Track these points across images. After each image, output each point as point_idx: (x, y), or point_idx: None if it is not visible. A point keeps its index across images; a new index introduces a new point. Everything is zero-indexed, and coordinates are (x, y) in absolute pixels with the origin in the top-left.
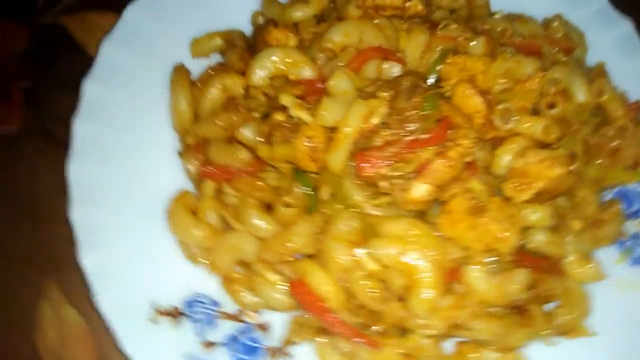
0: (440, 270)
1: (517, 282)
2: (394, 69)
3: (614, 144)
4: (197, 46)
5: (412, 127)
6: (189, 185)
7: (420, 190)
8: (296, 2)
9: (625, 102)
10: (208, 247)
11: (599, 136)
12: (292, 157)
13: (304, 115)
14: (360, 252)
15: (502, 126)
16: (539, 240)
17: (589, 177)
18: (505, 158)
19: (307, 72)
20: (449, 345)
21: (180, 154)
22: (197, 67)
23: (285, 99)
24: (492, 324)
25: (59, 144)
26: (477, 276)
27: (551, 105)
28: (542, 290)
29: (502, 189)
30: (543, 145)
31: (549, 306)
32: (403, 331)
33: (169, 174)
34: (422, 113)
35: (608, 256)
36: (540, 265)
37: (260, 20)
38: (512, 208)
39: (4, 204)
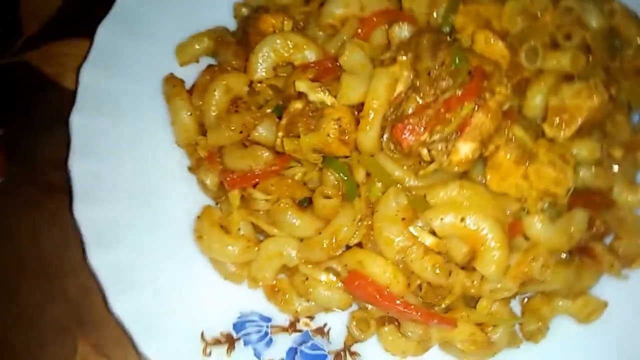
0: (503, 228)
1: (578, 223)
2: (404, 31)
3: (636, 63)
4: (183, 52)
5: (444, 85)
6: (205, 201)
7: (465, 149)
8: None
9: (637, 19)
10: (246, 261)
11: (620, 59)
12: (321, 145)
13: (326, 98)
14: (415, 228)
15: (530, 66)
16: (586, 175)
17: (620, 101)
18: (537, 98)
19: (312, 54)
20: (514, 305)
21: (192, 169)
22: (187, 74)
23: (302, 85)
24: (563, 271)
25: (51, 189)
26: (539, 226)
27: (568, 36)
28: (599, 226)
29: (542, 130)
30: (567, 78)
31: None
32: (470, 301)
33: (183, 194)
34: (451, 68)
35: None
36: (594, 200)
37: (244, 11)
38: (561, 147)
39: (9, 265)
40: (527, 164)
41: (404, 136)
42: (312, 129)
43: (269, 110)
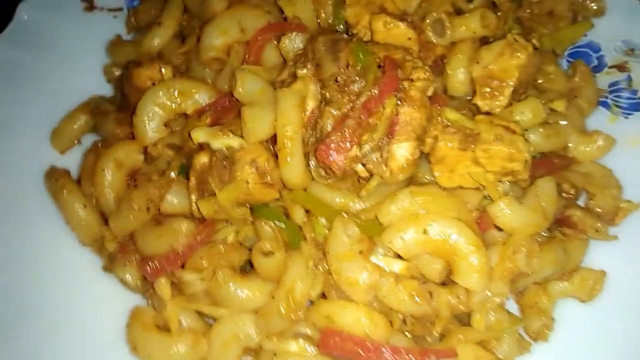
0: (472, 227)
1: (548, 194)
2: (296, 41)
3: (546, 6)
4: (59, 138)
5: (356, 88)
6: (132, 300)
7: (402, 152)
8: (147, 30)
9: None
10: (200, 357)
11: (528, 6)
12: (243, 195)
13: (232, 140)
14: (377, 257)
15: (441, 40)
16: (536, 140)
17: (544, 50)
18: (459, 72)
19: (203, 96)
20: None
21: (107, 268)
22: (73, 161)
23: (199, 134)
24: (549, 254)
25: None
26: (507, 211)
27: None
28: (568, 189)
29: (476, 105)
30: (483, 42)
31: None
32: (464, 317)
33: (105, 300)
34: (358, 67)
35: (600, 122)
36: (553, 164)
37: (116, 71)
38: (502, 118)
39: None
40: (473, 148)
41: (331, 157)
42: (227, 181)
43: (173, 174)
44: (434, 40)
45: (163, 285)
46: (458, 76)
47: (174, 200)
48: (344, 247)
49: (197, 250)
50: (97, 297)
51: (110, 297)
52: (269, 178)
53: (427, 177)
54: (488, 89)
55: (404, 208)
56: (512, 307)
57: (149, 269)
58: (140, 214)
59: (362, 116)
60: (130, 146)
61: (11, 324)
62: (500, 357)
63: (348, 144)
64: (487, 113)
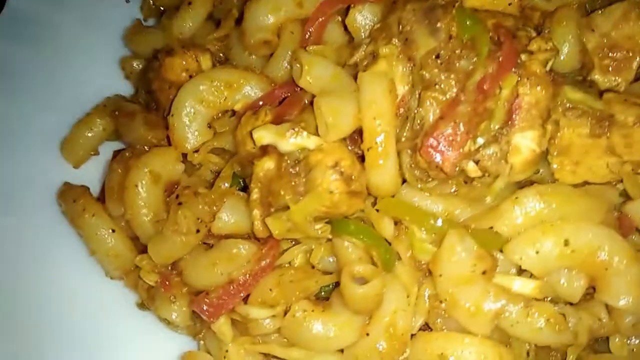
0: (615, 232)
1: None
2: (367, 15)
3: None
4: (72, 147)
5: (465, 64)
6: (178, 343)
7: (527, 142)
8: (173, 13)
9: None
10: None
11: None
12: (325, 208)
13: (307, 140)
14: (502, 276)
15: (548, 4)
16: None
17: None
18: (567, 43)
19: (254, 88)
20: None
21: (145, 305)
22: (91, 175)
23: (264, 134)
24: None
25: None
26: None
27: None
28: None
29: (595, 83)
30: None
31: None
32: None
33: (145, 343)
34: (464, 38)
35: None
36: None
37: (136, 65)
38: (635, 95)
39: None
40: (608, 134)
41: (445, 154)
42: (302, 191)
43: (225, 185)
44: (539, 4)
45: (223, 325)
46: (566, 48)
47: (228, 218)
48: (462, 268)
49: (262, 279)
50: (134, 342)
51: (149, 341)
52: (354, 185)
53: (547, 175)
54: (610, 62)
55: (533, 214)
56: None
57: (206, 306)
58: (187, 238)
59: (475, 100)
60: (167, 154)
61: None
62: None
63: (458, 137)
64: (607, 90)
